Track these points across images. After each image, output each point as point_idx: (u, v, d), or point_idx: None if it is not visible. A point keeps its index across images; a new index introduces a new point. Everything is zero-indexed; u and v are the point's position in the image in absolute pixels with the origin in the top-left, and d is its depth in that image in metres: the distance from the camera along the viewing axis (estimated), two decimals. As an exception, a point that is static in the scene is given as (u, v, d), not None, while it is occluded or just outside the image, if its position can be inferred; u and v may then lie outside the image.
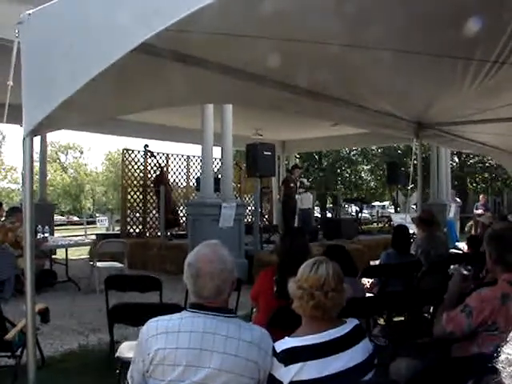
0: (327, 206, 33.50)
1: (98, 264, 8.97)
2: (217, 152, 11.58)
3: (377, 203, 39.28)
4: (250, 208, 14.54)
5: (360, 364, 2.43)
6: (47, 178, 16.69)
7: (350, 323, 2.53)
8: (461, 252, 9.09)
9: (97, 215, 42.30)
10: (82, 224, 34.01)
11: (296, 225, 13.58)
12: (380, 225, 20.50)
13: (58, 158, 59.54)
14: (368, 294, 5.45)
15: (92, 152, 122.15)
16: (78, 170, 59.38)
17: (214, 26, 3.73)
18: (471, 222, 18.08)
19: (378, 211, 31.53)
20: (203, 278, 2.32)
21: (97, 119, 6.47)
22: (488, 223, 10.12)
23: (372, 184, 35.28)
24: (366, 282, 6.26)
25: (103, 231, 22.60)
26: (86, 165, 61.57)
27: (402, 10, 3.99)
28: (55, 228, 28.73)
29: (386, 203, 42.47)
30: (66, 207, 57.17)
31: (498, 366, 1.13)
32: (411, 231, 8.60)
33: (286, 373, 2.31)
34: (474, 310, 3.06)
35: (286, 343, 2.39)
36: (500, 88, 6.10)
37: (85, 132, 18.01)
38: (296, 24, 3.95)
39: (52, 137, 60.91)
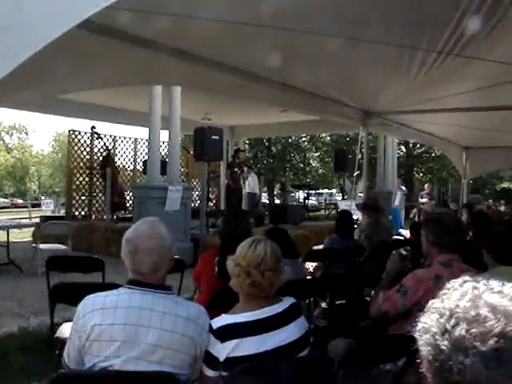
0: (275, 192, 33.74)
1: (41, 246, 8.80)
2: (165, 135, 11.50)
3: (325, 190, 39.70)
4: (197, 192, 14.51)
5: (296, 341, 2.48)
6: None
7: (287, 301, 2.58)
8: (403, 238, 9.30)
9: (42, 198, 41.39)
10: (26, 207, 33.30)
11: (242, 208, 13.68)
12: (327, 212, 20.75)
13: (2, 139, 57.98)
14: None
15: (38, 133, 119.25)
16: (22, 152, 57.95)
17: (162, 6, 3.73)
18: (415, 210, 18.51)
19: (325, 198, 31.89)
20: (141, 253, 2.33)
21: (38, 96, 6.32)
22: (430, 211, 10.39)
23: (320, 171, 35.64)
24: (310, 265, 6.35)
25: (49, 214, 22.13)
26: (31, 146, 60.20)
27: None
28: (-3, 210, 28.14)
29: (334, 190, 42.98)
30: (9, 189, 55.86)
31: (415, 335, 1.18)
32: (356, 217, 8.77)
33: (222, 349, 2.35)
34: (410, 290, 3.17)
35: (223, 320, 2.42)
36: (446, 78, 6.26)
37: (30, 112, 17.54)
38: (246, 8, 3.97)
39: (-5, 117, 59.38)
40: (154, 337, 2.25)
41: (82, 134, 14.23)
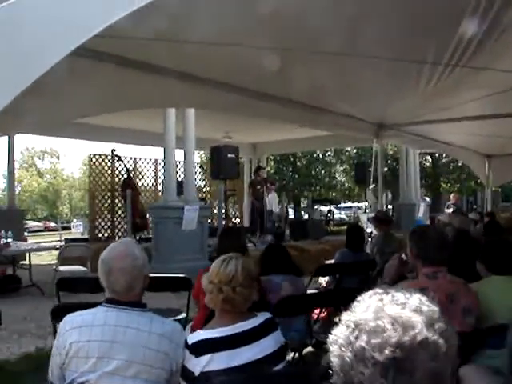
0: (301, 207, 33.64)
1: (61, 268, 8.98)
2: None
3: (355, 204, 39.43)
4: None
5: (270, 355, 2.54)
6: (22, 184, 16.60)
7: (261, 316, 2.64)
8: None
9: (74, 220, 42.00)
10: (58, 230, 33.81)
11: (265, 226, 13.72)
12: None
13: (34, 164, 58.99)
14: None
15: (69, 157, 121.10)
16: (54, 176, 58.86)
17: (155, 29, 3.84)
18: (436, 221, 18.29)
19: (354, 212, 31.68)
20: (115, 273, 2.43)
21: (39, 124, 6.49)
22: (448, 221, 10.28)
23: (346, 185, 35.46)
24: (323, 280, 6.37)
25: (78, 236, 22.48)
26: (62, 170, 61.12)
27: (360, 15, 4.14)
28: (30, 234, 28.62)
29: (363, 204, 42.62)
30: (42, 213, 56.70)
31: (328, 347, 1.23)
32: (369, 231, 8.77)
33: (196, 364, 2.42)
34: None
35: (198, 336, 2.50)
36: (457, 87, 6.26)
37: (55, 137, 17.88)
38: (251, 28, 4.06)
39: (27, 142, 60.49)
40: (129, 353, 2.34)
41: (103, 157, 14.51)
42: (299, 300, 4.40)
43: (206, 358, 2.41)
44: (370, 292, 1.27)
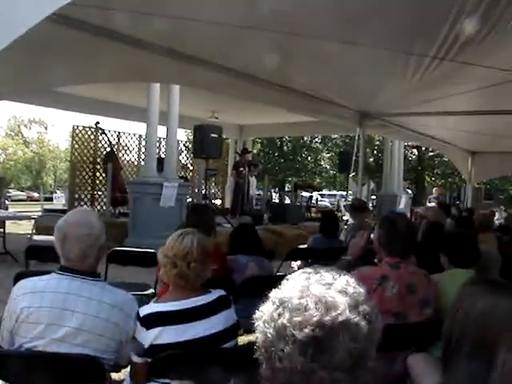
0: (285, 191, 33.67)
1: (36, 237, 8.94)
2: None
3: (340, 192, 39.53)
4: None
5: (220, 332, 2.55)
6: (7, 152, 16.43)
7: (215, 293, 2.65)
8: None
9: (57, 191, 41.72)
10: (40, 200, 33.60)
11: (246, 207, 13.75)
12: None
13: (21, 132, 58.49)
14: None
15: (57, 128, 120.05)
16: (40, 146, 58.40)
17: (157, 7, 3.82)
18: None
19: (338, 200, 31.74)
20: (70, 241, 2.43)
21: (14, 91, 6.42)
22: (424, 214, 10.34)
23: (331, 172, 35.55)
24: (295, 265, 6.39)
25: (60, 207, 22.33)
26: (49, 140, 60.67)
27: (348, 2, 4.14)
28: (13, 203, 28.40)
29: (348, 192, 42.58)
30: (26, 183, 56.36)
31: (253, 322, 1.24)
32: (346, 218, 8.80)
33: (146, 336, 2.43)
34: None
35: (150, 308, 2.51)
36: (443, 81, 6.28)
37: (39, 106, 17.69)
38: (243, 10, 4.04)
39: (15, 110, 59.83)
40: (78, 321, 2.34)
41: (87, 129, 14.42)
42: (264, 281, 4.41)
43: (156, 330, 2.43)
44: (300, 270, 1.28)
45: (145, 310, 2.48)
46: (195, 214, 4.25)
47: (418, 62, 5.66)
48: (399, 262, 3.26)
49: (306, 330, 1.11)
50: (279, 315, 1.16)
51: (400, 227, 3.39)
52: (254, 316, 1.24)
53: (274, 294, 1.22)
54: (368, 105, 8.85)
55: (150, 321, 2.45)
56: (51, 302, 2.35)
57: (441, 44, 5.01)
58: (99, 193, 14.65)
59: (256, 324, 1.22)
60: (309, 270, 1.27)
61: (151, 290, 5.18)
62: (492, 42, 4.89)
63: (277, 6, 3.87)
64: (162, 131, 11.35)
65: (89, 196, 14.58)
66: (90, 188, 14.58)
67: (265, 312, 1.20)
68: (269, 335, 1.16)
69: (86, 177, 14.51)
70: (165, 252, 2.57)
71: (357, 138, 9.96)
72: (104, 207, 14.07)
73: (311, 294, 1.16)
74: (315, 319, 1.11)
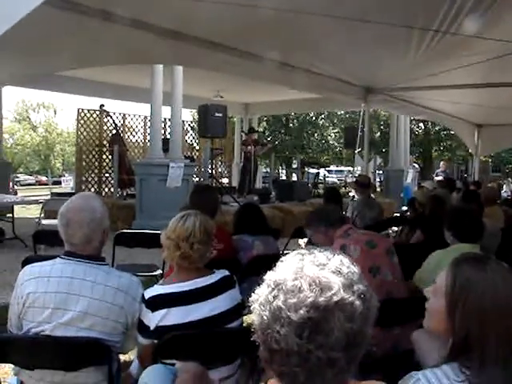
0: (292, 169, 33.64)
1: (44, 222, 8.98)
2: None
3: (348, 168, 39.43)
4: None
5: (225, 312, 2.58)
6: (15, 137, 16.40)
7: (219, 273, 2.67)
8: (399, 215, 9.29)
9: (65, 175, 41.79)
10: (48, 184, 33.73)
11: (253, 186, 13.77)
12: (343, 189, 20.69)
13: (28, 117, 58.43)
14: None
15: (65, 112, 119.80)
16: (48, 130, 58.32)
17: None
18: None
19: (345, 176, 31.70)
20: (73, 226, 2.44)
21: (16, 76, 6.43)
22: (432, 188, 10.33)
23: (338, 149, 35.40)
24: (302, 242, 6.41)
25: (68, 190, 22.39)
26: (57, 124, 60.53)
27: None
28: (21, 188, 28.45)
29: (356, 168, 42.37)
30: (34, 167, 56.41)
31: (250, 305, 1.25)
32: (351, 194, 8.80)
33: (152, 318, 2.46)
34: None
35: (154, 290, 2.53)
36: (447, 55, 6.24)
37: (45, 91, 17.67)
38: None
39: (24, 95, 59.71)
40: (84, 305, 2.37)
41: (92, 111, 14.42)
42: (271, 260, 4.41)
43: (161, 312, 2.45)
44: (294, 252, 1.29)
45: (150, 293, 2.50)
46: (197, 195, 4.23)
47: (420, 35, 5.62)
48: (347, 230, 3.46)
49: (301, 312, 1.11)
50: (274, 297, 1.16)
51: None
52: (250, 299, 1.25)
53: (269, 276, 1.23)
54: (372, 80, 8.82)
55: (156, 303, 2.47)
56: (57, 286, 2.38)
57: (443, 17, 4.97)
58: (106, 175, 14.70)
59: (252, 307, 1.23)
60: (303, 251, 1.27)
61: (159, 271, 5.22)
62: (494, 15, 4.84)
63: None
64: (166, 112, 11.36)
65: (96, 179, 14.63)
66: (96, 171, 14.63)
67: (260, 294, 1.21)
68: (265, 317, 1.17)
69: (93, 160, 14.57)
70: (168, 234, 2.59)
71: (362, 113, 9.94)
72: (111, 189, 14.13)
73: (305, 275, 1.16)
74: (310, 300, 1.12)
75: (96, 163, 14.61)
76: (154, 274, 5.23)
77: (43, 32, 4.13)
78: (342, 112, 32.40)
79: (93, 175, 14.64)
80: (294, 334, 1.12)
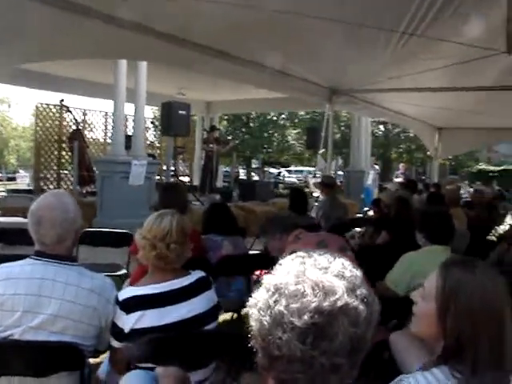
0: (252, 168, 33.68)
1: (1, 219, 8.77)
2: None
3: (307, 168, 39.68)
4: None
5: (201, 314, 2.52)
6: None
7: (195, 275, 2.60)
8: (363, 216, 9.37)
9: (20, 171, 40.86)
10: (2, 180, 32.95)
11: (214, 185, 13.71)
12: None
13: (-19, 111, 56.95)
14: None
15: (21, 106, 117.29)
16: (2, 124, 56.97)
17: None
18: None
19: (305, 176, 31.88)
20: (45, 225, 2.33)
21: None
22: (395, 190, 10.47)
23: (298, 149, 35.54)
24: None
25: (24, 187, 21.92)
26: (11, 119, 59.14)
27: None
28: (-28, 183, 27.69)
29: (315, 168, 42.70)
30: (-15, 163, 55.03)
31: (248, 309, 1.20)
32: (316, 195, 8.82)
33: (126, 321, 2.38)
34: None
35: (129, 292, 2.45)
36: (412, 57, 6.28)
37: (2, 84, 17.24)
38: None
39: (-23, 88, 58.22)
40: (55, 307, 2.27)
41: (51, 106, 14.10)
42: (240, 260, 4.39)
43: (136, 314, 2.38)
44: (293, 255, 1.24)
45: (124, 294, 2.43)
46: (168, 194, 4.18)
47: (387, 37, 5.64)
48: (299, 234, 3.52)
49: (305, 317, 1.07)
50: (275, 302, 1.12)
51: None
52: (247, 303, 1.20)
53: (268, 280, 1.18)
54: (339, 81, 8.83)
55: (130, 305, 2.39)
56: (26, 288, 2.27)
57: (410, 20, 4.99)
58: (65, 172, 14.38)
59: (250, 312, 1.18)
60: (302, 253, 1.23)
61: (123, 271, 5.12)
62: (458, 19, 4.89)
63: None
64: (127, 108, 11.17)
65: (55, 175, 14.29)
66: (55, 167, 14.28)
67: (259, 299, 1.16)
68: (265, 323, 1.12)
69: (52, 156, 14.20)
70: (143, 233, 2.52)
71: (326, 114, 9.95)
72: (71, 187, 13.84)
73: (307, 279, 1.12)
74: (314, 305, 1.08)
75: (55, 159, 14.26)
76: (118, 274, 5.12)
77: (3, 22, 3.99)
78: (303, 112, 32.55)
79: (51, 172, 14.29)
80: (297, 339, 1.08)
